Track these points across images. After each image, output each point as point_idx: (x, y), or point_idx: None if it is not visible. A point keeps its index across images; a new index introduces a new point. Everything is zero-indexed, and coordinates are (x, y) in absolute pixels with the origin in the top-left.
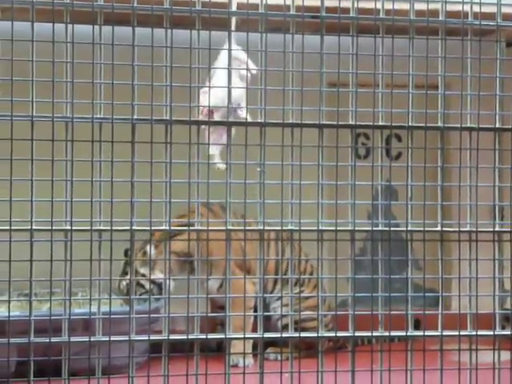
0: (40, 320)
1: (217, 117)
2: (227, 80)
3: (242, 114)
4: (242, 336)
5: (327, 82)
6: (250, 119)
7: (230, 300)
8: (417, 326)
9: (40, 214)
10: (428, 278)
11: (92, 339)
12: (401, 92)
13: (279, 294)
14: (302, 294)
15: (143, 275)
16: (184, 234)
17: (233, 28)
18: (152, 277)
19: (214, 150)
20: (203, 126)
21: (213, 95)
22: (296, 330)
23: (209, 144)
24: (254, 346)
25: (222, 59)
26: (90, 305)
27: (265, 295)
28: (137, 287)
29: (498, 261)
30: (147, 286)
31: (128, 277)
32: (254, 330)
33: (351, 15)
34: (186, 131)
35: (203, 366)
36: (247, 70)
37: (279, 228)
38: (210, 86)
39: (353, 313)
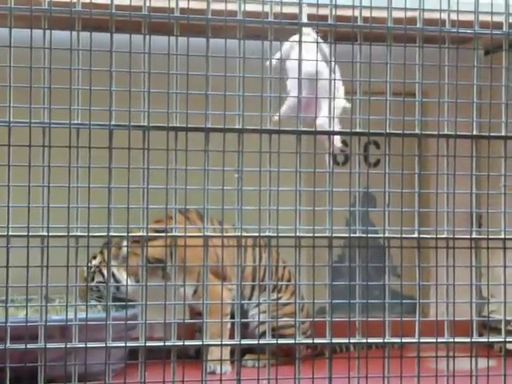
0: (16, 327)
1: None
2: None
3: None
4: (220, 343)
5: None
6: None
7: (207, 307)
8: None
9: (17, 219)
10: (406, 285)
11: (68, 346)
12: (378, 99)
13: (257, 301)
14: (279, 301)
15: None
16: (159, 240)
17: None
18: (117, 275)
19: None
20: None
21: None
22: (274, 336)
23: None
24: (232, 353)
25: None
26: (67, 311)
27: (242, 302)
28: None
29: (476, 268)
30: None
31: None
32: (232, 336)
33: (329, 22)
34: (164, 137)
35: (180, 372)
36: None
37: (257, 234)
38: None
39: (330, 319)
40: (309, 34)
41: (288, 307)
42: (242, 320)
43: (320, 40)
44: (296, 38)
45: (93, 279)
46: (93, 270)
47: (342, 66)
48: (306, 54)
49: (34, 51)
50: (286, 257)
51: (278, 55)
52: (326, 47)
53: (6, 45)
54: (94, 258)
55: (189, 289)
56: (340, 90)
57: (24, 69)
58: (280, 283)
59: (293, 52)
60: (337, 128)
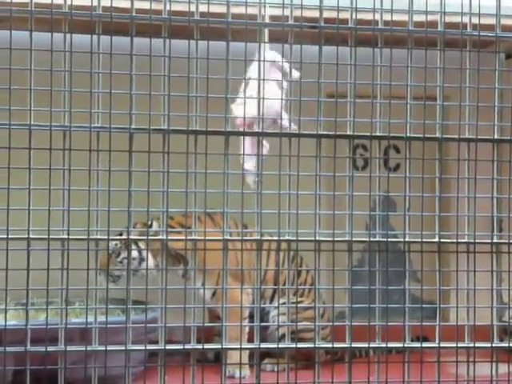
0: (37, 329)
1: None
2: (264, 89)
3: (286, 124)
4: (239, 346)
5: (325, 93)
6: (295, 129)
7: (226, 310)
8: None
9: (37, 222)
10: (426, 290)
11: (88, 348)
12: (399, 103)
13: (276, 304)
14: (300, 305)
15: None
16: (182, 234)
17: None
18: (143, 253)
19: (249, 165)
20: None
21: (253, 106)
22: (293, 340)
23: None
24: (250, 357)
25: (256, 68)
26: (87, 314)
27: (261, 305)
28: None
29: (497, 272)
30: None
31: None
32: (251, 339)
33: (350, 25)
34: (184, 141)
35: (199, 376)
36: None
37: (277, 238)
38: (245, 97)
39: (350, 324)
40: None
41: (308, 311)
42: (262, 324)
43: (285, 64)
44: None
45: (118, 255)
46: (119, 245)
47: (362, 69)
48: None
49: (54, 55)
50: (309, 261)
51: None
52: (287, 66)
53: (27, 48)
54: (121, 234)
55: (208, 291)
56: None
57: (45, 72)
58: (300, 287)
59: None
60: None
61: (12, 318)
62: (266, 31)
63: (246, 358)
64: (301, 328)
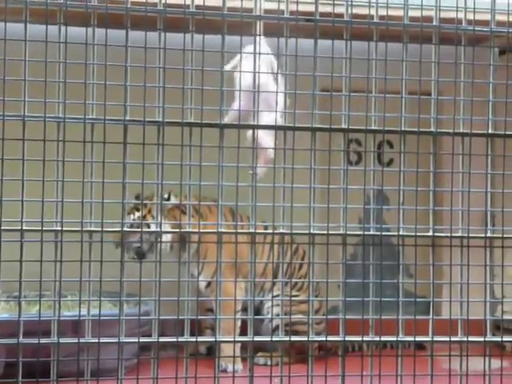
0: (29, 322)
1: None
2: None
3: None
4: (233, 339)
5: (320, 87)
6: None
7: (220, 303)
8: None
9: (30, 214)
10: (419, 285)
11: (81, 341)
12: (394, 97)
13: (274, 296)
14: (296, 298)
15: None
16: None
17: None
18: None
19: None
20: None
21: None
22: (287, 332)
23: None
24: (243, 350)
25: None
26: (80, 306)
27: (254, 298)
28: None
29: (489, 267)
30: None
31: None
32: (244, 332)
33: (345, 19)
34: (179, 133)
35: (192, 370)
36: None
37: (271, 231)
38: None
39: (343, 317)
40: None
41: (304, 305)
42: (255, 317)
43: (270, 52)
44: (249, 48)
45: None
46: (134, 223)
47: (357, 63)
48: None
49: (48, 46)
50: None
51: (231, 64)
52: (274, 60)
53: (22, 39)
54: (136, 210)
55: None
56: (280, 103)
57: (39, 63)
58: (299, 280)
59: (244, 61)
60: (267, 139)
61: (3, 311)
62: (260, 24)
63: (238, 351)
64: (295, 321)
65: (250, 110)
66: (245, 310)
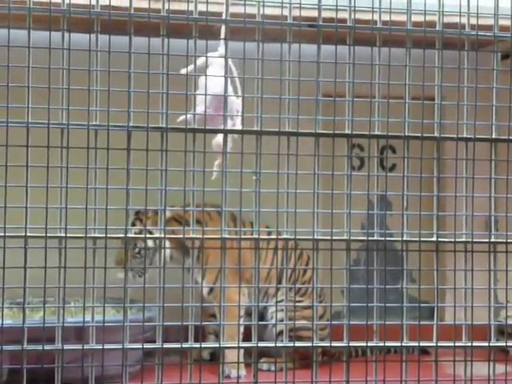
0: (33, 328)
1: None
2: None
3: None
4: (236, 345)
5: (323, 92)
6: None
7: (223, 309)
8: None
9: (34, 220)
10: (422, 290)
11: (85, 347)
12: (397, 101)
13: (278, 301)
14: (299, 304)
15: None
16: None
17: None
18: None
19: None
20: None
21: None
22: (291, 338)
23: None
24: (246, 355)
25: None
26: (84, 313)
27: (258, 304)
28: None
29: (493, 272)
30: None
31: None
32: (248, 337)
33: (348, 25)
34: (182, 139)
35: (196, 376)
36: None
37: (275, 237)
38: (206, 94)
39: (348, 323)
40: (221, 54)
41: (308, 311)
42: (259, 322)
43: (229, 61)
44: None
45: (135, 246)
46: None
47: (360, 68)
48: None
49: (52, 53)
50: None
51: (191, 67)
52: (234, 69)
53: (26, 46)
54: (133, 225)
55: (206, 286)
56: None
57: (42, 70)
58: (303, 286)
59: (208, 68)
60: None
61: (6, 317)
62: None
63: (241, 357)
64: (299, 327)
65: (212, 114)
66: (248, 315)
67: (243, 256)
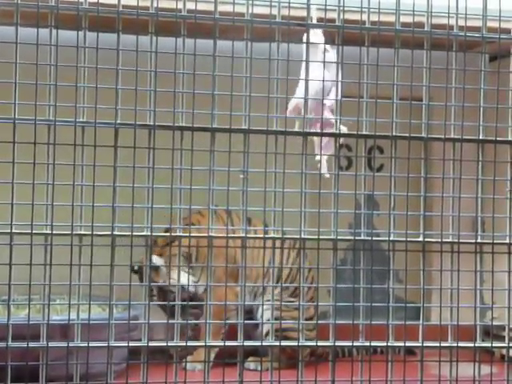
0: (18, 325)
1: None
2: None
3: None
4: (223, 344)
5: None
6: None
7: (210, 308)
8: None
9: (20, 217)
10: (409, 291)
11: (70, 345)
12: (385, 102)
13: (267, 301)
14: (288, 303)
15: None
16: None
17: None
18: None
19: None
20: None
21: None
22: (277, 337)
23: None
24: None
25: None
26: (69, 310)
27: (245, 303)
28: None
29: (479, 273)
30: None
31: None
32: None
33: (337, 24)
34: (170, 137)
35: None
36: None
37: (262, 236)
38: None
39: (334, 322)
40: (316, 33)
41: (297, 311)
42: (245, 322)
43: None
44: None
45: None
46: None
47: (348, 68)
48: (317, 69)
49: (40, 49)
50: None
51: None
52: (333, 53)
53: (13, 41)
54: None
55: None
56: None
57: (30, 66)
58: (285, 285)
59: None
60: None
61: None
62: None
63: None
64: (286, 327)
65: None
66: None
67: (233, 255)
